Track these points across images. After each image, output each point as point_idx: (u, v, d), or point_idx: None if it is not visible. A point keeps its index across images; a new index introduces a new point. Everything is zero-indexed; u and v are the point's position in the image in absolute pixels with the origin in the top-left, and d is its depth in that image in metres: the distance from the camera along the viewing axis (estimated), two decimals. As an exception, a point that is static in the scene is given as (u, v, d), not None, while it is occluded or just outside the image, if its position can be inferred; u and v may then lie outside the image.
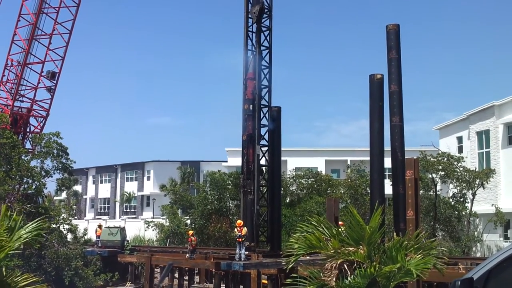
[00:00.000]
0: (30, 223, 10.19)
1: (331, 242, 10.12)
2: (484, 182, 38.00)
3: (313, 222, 10.51)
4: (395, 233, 15.32)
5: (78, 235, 33.09)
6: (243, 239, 24.39)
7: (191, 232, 31.31)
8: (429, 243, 10.30)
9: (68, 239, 31.75)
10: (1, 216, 10.01)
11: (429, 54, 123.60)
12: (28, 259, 27.48)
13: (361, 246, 9.82)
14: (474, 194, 38.37)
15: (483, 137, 42.26)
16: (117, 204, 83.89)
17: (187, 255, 29.86)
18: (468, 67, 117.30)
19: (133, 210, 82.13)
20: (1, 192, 27.01)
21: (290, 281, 10.73)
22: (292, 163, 55.69)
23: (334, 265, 9.77)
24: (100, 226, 36.90)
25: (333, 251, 9.97)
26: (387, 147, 23.44)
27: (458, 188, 38.96)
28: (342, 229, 10.64)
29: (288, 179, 46.01)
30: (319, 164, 59.31)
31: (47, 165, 31.22)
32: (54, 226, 30.26)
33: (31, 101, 39.01)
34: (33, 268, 26.30)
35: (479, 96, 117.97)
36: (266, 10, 29.30)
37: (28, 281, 9.98)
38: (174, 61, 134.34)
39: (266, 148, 29.66)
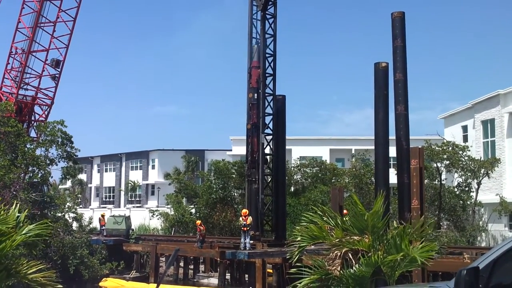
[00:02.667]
0: (34, 224, 10.29)
1: (334, 232, 10.11)
2: (489, 172, 37.87)
3: (318, 212, 10.50)
4: (399, 222, 15.29)
5: (83, 224, 33.25)
6: (248, 228, 24.44)
7: (198, 222, 31.41)
8: (432, 228, 10.30)
9: (74, 228, 31.90)
10: (12, 209, 10.10)
11: (434, 42, 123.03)
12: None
13: (365, 235, 9.81)
14: (479, 184, 38.25)
15: (488, 126, 42.05)
16: (122, 193, 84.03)
17: (195, 244, 30.01)
18: (473, 55, 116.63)
19: (138, 199, 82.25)
20: (6, 180, 27.10)
21: (295, 271, 10.73)
22: (296, 152, 55.60)
23: (339, 254, 9.77)
24: (103, 216, 37.01)
25: (337, 240, 9.96)
26: (392, 136, 23.36)
27: (463, 177, 38.84)
28: (347, 218, 10.63)
29: (292, 168, 46.01)
30: (323, 153, 59.21)
31: (52, 153, 31.35)
32: (60, 214, 30.41)
33: (35, 89, 38.95)
34: (39, 256, 26.36)
35: (484, 85, 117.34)
36: (271, -3, 29.15)
37: (36, 268, 10.04)
38: (179, 49, 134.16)
39: (271, 137, 29.63)
